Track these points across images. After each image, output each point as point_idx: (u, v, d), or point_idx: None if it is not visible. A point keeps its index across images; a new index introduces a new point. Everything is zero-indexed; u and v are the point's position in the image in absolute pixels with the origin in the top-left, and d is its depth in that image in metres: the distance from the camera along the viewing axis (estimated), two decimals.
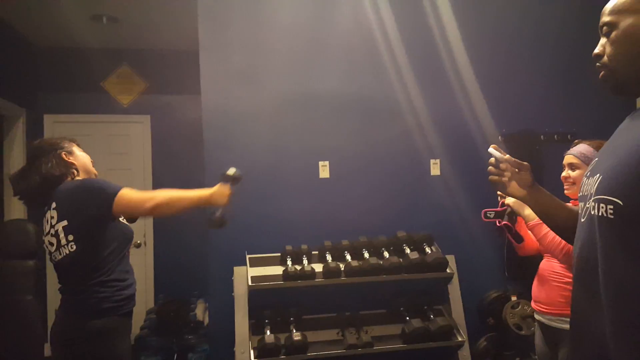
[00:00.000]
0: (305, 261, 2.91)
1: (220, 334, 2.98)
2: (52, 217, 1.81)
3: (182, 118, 4.48)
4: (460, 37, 3.37)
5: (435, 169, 3.36)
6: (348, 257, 2.94)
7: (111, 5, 3.65)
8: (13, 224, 3.25)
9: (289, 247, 2.96)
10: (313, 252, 2.98)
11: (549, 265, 2.09)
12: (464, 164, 3.33)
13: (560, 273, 2.03)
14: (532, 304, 2.19)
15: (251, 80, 3.20)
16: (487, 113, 3.38)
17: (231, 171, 1.98)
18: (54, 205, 1.82)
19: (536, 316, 2.16)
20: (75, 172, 1.90)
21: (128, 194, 1.79)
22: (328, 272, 2.82)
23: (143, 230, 4.47)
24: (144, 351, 3.51)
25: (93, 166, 2.00)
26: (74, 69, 4.36)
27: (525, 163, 1.38)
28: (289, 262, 2.89)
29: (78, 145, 1.99)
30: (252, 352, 2.69)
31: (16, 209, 3.95)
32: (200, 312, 3.80)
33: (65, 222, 1.77)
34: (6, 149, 3.97)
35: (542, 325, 2.11)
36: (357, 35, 3.30)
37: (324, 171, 3.23)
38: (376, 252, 3.00)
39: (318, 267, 2.87)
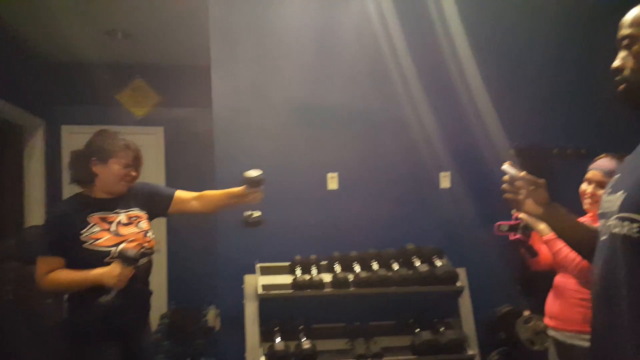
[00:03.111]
0: (314, 271, 2.91)
1: (231, 340, 3.00)
2: None
3: (194, 130, 4.56)
4: (469, 47, 3.36)
5: (445, 181, 3.35)
6: (357, 268, 2.93)
7: (126, 21, 3.74)
8: (32, 230, 3.32)
9: (298, 257, 2.98)
10: (322, 263, 2.99)
11: (564, 281, 2.06)
12: (475, 176, 3.31)
13: (576, 289, 1.99)
14: (546, 319, 2.15)
15: (261, 93, 3.24)
16: (498, 126, 3.36)
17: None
18: None
19: (550, 332, 2.12)
20: (93, 182, 1.96)
21: (38, 263, 1.88)
22: (337, 283, 2.82)
23: (157, 238, 4.52)
24: (157, 355, 3.55)
25: (118, 183, 1.98)
26: (90, 82, 4.47)
27: (541, 180, 1.35)
28: (298, 272, 2.90)
29: (133, 159, 2.01)
30: (262, 359, 2.70)
31: (36, 216, 4.03)
32: (212, 318, 3.84)
33: None
34: (26, 159, 4.08)
35: (556, 341, 2.08)
36: (364, 47, 3.32)
37: (333, 182, 3.25)
38: (385, 264, 2.98)
39: (327, 278, 2.87)
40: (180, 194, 2.21)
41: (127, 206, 2.04)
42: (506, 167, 1.38)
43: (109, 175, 1.95)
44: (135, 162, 2.02)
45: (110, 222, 1.94)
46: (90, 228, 1.88)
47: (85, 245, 1.85)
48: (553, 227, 1.38)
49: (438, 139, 3.33)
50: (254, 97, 3.24)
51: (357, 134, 3.30)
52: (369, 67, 3.33)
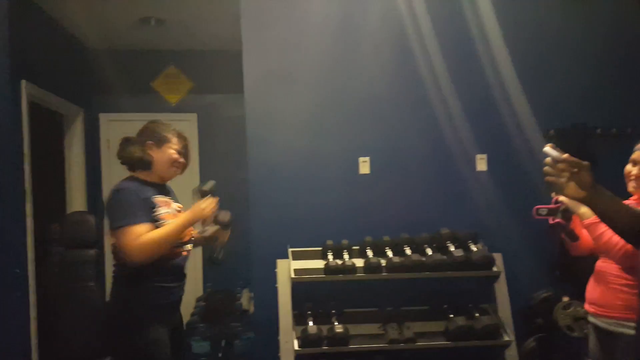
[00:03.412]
0: (346, 256, 2.91)
1: (265, 323, 3.06)
2: None
3: (226, 116, 4.61)
4: (504, 25, 3.25)
5: (481, 164, 3.27)
6: (389, 253, 2.91)
7: (158, 8, 3.79)
8: (75, 216, 3.45)
9: (329, 242, 2.98)
10: (354, 248, 2.99)
11: (606, 266, 1.98)
12: (513, 158, 3.24)
13: (618, 274, 1.92)
14: (586, 305, 2.09)
15: (291, 78, 3.24)
16: (537, 106, 3.25)
17: (207, 184, 2.08)
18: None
19: (590, 319, 2.06)
20: (150, 164, 2.01)
21: (124, 234, 1.83)
22: (369, 268, 2.82)
23: None
24: (194, 336, 3.66)
25: (170, 168, 2.03)
26: (125, 70, 4.57)
27: (585, 162, 1.29)
28: (330, 257, 2.91)
29: (183, 145, 2.08)
30: (295, 341, 2.74)
31: (78, 202, 4.19)
32: (246, 301, 3.93)
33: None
34: (67, 146, 4.22)
35: (596, 328, 2.02)
36: (395, 30, 3.25)
37: (364, 167, 3.22)
38: (418, 249, 2.96)
39: (359, 262, 2.87)
40: None
41: (173, 197, 2.15)
42: (548, 149, 1.32)
43: (163, 159, 2.01)
44: (185, 150, 2.10)
45: (169, 207, 2.02)
46: (158, 208, 1.94)
47: (157, 224, 1.91)
48: (597, 210, 1.33)
49: (474, 121, 3.25)
50: (285, 82, 3.23)
51: (389, 117, 3.26)
52: (400, 49, 3.26)
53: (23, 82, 3.27)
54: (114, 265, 2.00)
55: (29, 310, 3.25)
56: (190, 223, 1.95)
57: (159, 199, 1.98)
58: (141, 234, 1.82)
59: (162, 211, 1.94)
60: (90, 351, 2.70)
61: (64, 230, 3.18)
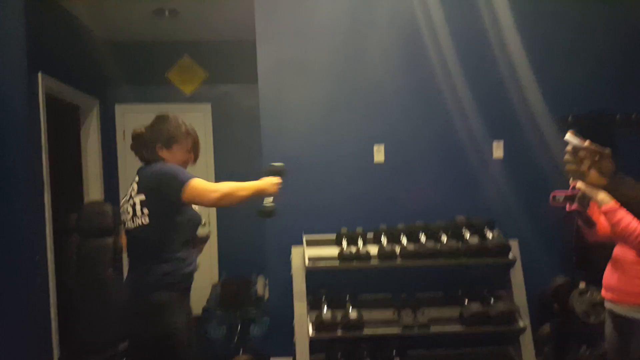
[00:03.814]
0: (360, 243, 2.92)
1: (280, 308, 3.11)
2: (133, 189, 2.00)
3: (240, 106, 4.62)
4: (523, 10, 3.21)
5: (498, 151, 3.24)
6: (404, 240, 2.91)
7: None
8: (92, 206, 3.50)
9: (344, 230, 2.99)
10: (368, 235, 2.99)
11: (624, 253, 1.97)
12: (529, 145, 3.21)
13: (636, 261, 1.90)
14: (603, 292, 2.08)
15: (305, 67, 3.24)
16: (555, 92, 3.21)
17: (278, 165, 2.11)
18: (137, 179, 2.01)
19: (607, 305, 2.05)
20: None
21: (197, 184, 1.89)
22: (383, 255, 2.82)
23: (207, 211, 4.67)
24: (210, 322, 3.71)
25: (186, 165, 2.07)
26: (140, 61, 4.60)
27: (606, 150, 1.27)
28: (344, 244, 2.92)
29: (193, 144, 2.09)
30: (310, 327, 2.76)
31: (95, 191, 4.26)
32: (261, 287, 3.98)
33: (142, 197, 1.94)
34: (83, 138, 4.28)
35: (613, 314, 2.01)
36: (409, 17, 3.23)
37: (379, 154, 3.22)
38: (433, 236, 2.95)
39: (373, 250, 2.88)
40: None
41: None
42: (569, 136, 1.29)
43: (173, 159, 2.05)
44: (195, 147, 2.13)
45: None
46: None
47: (187, 206, 1.98)
48: (618, 198, 1.31)
49: (490, 108, 3.23)
50: (299, 71, 3.24)
51: (403, 105, 3.24)
52: (413, 36, 3.24)
53: (39, 75, 3.32)
54: (131, 252, 2.05)
55: (49, 296, 3.33)
56: (260, 191, 1.99)
57: None
58: (205, 184, 1.90)
59: None
60: (109, 336, 2.76)
61: (82, 220, 3.24)
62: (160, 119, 2.08)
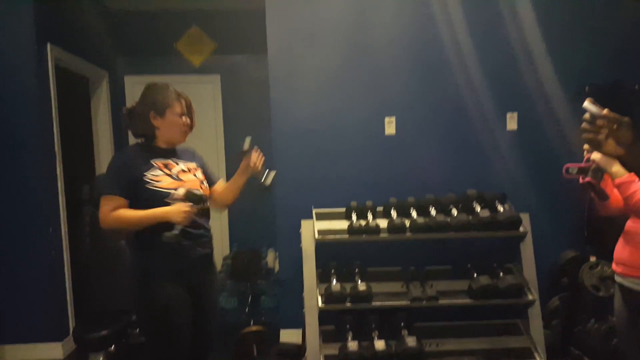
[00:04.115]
0: (370, 217, 2.92)
1: (290, 280, 3.16)
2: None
3: (250, 77, 4.57)
4: None
5: (512, 122, 3.19)
6: (414, 213, 2.91)
7: None
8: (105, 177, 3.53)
9: (353, 203, 2.99)
10: (378, 209, 2.99)
11: (636, 226, 1.94)
12: (543, 117, 3.15)
13: None
14: (614, 265, 2.06)
15: (315, 37, 3.18)
16: (571, 63, 3.13)
17: (197, 192, 2.00)
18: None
19: (617, 278, 2.04)
20: (154, 135, 2.05)
21: (102, 202, 1.94)
22: (393, 228, 2.82)
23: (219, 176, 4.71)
24: (222, 293, 3.79)
25: (177, 132, 2.05)
26: (148, 32, 4.54)
27: (626, 118, 1.23)
28: (354, 217, 2.92)
29: (186, 108, 2.08)
30: (319, 298, 2.80)
31: (106, 163, 4.26)
32: (271, 260, 4.03)
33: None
34: (93, 109, 4.29)
35: (623, 288, 1.99)
36: None
37: (390, 127, 3.18)
38: (444, 210, 2.94)
39: (383, 223, 2.88)
40: (218, 186, 2.29)
41: (186, 159, 2.16)
42: (587, 104, 1.24)
43: (168, 126, 2.04)
44: (189, 109, 2.11)
45: (171, 169, 2.05)
46: (153, 170, 1.99)
47: (147, 185, 1.95)
48: (636, 169, 1.27)
49: (504, 79, 3.16)
50: (309, 41, 3.18)
51: (415, 76, 3.18)
52: (425, 5, 3.16)
53: (48, 45, 3.30)
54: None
55: (64, 267, 3.41)
56: (161, 221, 1.91)
57: (159, 162, 2.01)
58: (114, 206, 1.93)
59: (156, 172, 1.97)
60: (122, 305, 2.82)
61: (95, 192, 3.27)
62: (148, 88, 2.07)
